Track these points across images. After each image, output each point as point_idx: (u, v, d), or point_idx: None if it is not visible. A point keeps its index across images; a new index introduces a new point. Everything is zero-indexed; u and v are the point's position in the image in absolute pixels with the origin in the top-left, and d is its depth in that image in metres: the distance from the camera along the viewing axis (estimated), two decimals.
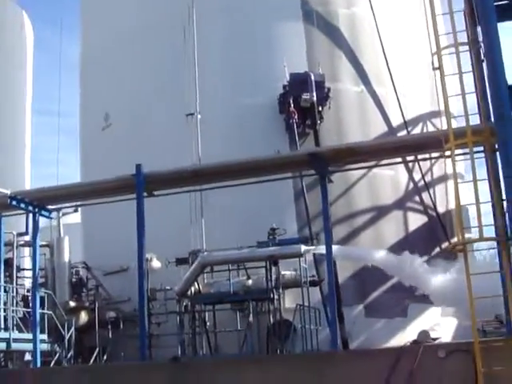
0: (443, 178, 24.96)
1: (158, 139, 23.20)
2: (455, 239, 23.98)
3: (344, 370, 14.99)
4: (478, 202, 14.03)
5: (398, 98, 23.43)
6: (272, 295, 19.55)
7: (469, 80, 15.27)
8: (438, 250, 23.38)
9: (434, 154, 21.20)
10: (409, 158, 22.05)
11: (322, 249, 19.83)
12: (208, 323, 20.94)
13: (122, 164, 21.48)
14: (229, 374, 15.67)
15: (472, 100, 15.47)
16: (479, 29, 15.12)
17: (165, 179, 18.77)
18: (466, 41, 15.37)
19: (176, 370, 16.04)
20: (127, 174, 18.48)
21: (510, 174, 13.33)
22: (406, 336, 20.30)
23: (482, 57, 14.92)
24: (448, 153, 14.91)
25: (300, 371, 15.15)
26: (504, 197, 14.08)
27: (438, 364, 14.32)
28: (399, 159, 20.93)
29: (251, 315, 19.86)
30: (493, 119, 14.00)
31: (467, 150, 14.79)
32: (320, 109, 22.85)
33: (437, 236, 23.77)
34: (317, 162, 17.30)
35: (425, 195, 24.04)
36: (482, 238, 14.17)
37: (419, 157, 21.97)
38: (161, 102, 23.62)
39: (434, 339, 18.27)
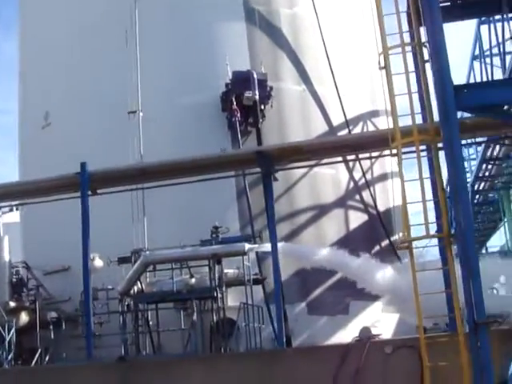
0: (383, 177, 25.33)
1: (100, 138, 22.91)
2: (395, 237, 24.86)
3: (292, 367, 15.09)
4: (424, 201, 14.26)
5: (339, 97, 23.65)
6: (215, 294, 19.53)
7: (411, 80, 15.51)
8: (378, 247, 23.79)
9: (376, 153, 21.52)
10: (350, 157, 22.36)
11: (265, 247, 20.00)
12: (151, 322, 20.79)
13: (61, 163, 21.32)
14: (176, 373, 15.63)
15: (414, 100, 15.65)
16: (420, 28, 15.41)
17: (110, 177, 18.60)
18: (409, 41, 15.55)
19: (123, 369, 15.92)
20: (71, 173, 18.24)
21: (454, 172, 13.55)
22: (347, 333, 20.55)
23: (426, 57, 15.13)
24: (395, 151, 15.08)
25: (248, 370, 15.19)
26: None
27: (385, 360, 14.53)
28: (341, 158, 21.16)
29: (195, 314, 19.80)
30: (438, 119, 14.20)
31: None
32: (262, 107, 22.93)
33: (377, 234, 24.12)
34: (263, 160, 17.37)
35: (365, 194, 24.33)
36: (428, 236, 14.41)
37: (360, 155, 22.24)
38: (102, 100, 23.29)
39: (376, 335, 18.51)
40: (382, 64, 15.06)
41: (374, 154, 22.52)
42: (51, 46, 25.55)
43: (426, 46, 14.99)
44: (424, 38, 15.31)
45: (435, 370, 13.69)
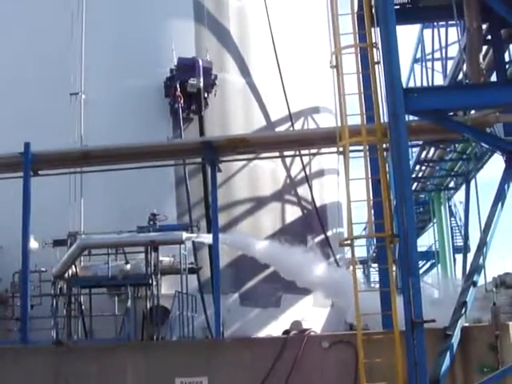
0: (320, 173, 25.67)
1: (40, 118, 22.48)
2: (330, 232, 25.25)
3: (229, 357, 15.19)
4: (368, 200, 14.52)
5: (284, 91, 23.82)
6: (150, 281, 19.49)
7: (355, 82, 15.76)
8: (312, 242, 24.16)
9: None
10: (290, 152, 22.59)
11: (203, 237, 20.06)
12: (83, 307, 20.60)
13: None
14: (111, 359, 15.57)
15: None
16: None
17: (53, 159, 18.34)
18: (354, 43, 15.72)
19: (58, 354, 15.77)
20: (14, 152, 17.92)
21: (400, 173, 13.84)
22: (279, 326, 20.81)
23: (377, 58, 15.36)
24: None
25: (187, 359, 15.24)
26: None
27: (322, 354, 14.76)
28: (291, 152, 21.38)
29: (129, 300, 19.70)
30: (386, 119, 14.47)
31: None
32: (206, 95, 22.91)
33: (312, 229, 24.46)
34: (209, 150, 17.40)
35: (302, 189, 24.61)
36: (371, 234, 14.69)
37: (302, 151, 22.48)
38: (45, 81, 22.86)
39: (306, 329, 18.77)
40: (334, 63, 15.27)
41: (313, 150, 22.88)
42: None
43: (377, 48, 15.24)
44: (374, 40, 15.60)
45: (371, 365, 14.00)
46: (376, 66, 15.13)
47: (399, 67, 14.13)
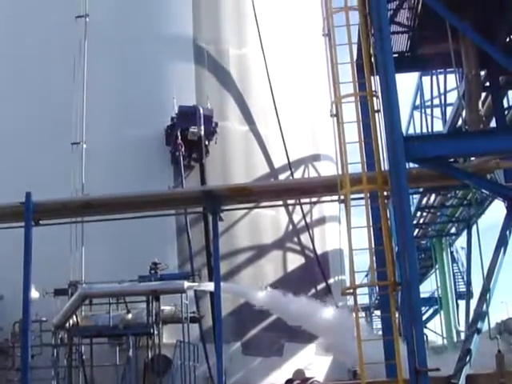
0: (321, 221, 25.67)
1: (42, 167, 22.58)
2: (332, 280, 25.16)
3: None
4: (370, 248, 14.47)
5: (283, 140, 23.92)
6: (152, 330, 19.38)
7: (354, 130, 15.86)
8: (314, 290, 24.05)
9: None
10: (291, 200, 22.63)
11: (204, 285, 20.01)
12: (84, 357, 20.45)
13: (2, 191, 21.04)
14: None
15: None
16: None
17: (54, 209, 18.33)
18: (354, 92, 15.82)
19: None
20: (15, 202, 17.93)
21: (402, 221, 13.80)
22: (281, 374, 20.64)
23: (377, 107, 15.44)
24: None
25: None
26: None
27: None
28: (291, 201, 21.42)
29: (130, 350, 19.57)
30: (387, 167, 14.47)
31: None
32: (207, 143, 23.01)
33: (314, 276, 24.37)
34: (210, 199, 17.42)
35: (304, 236, 24.58)
36: (373, 283, 14.61)
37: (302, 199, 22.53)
38: (46, 130, 23.00)
39: (309, 378, 18.62)
40: (334, 112, 15.35)
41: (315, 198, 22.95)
42: None
43: (376, 96, 15.32)
44: (373, 88, 15.71)
45: None
46: (376, 115, 15.20)
47: (399, 115, 14.15)
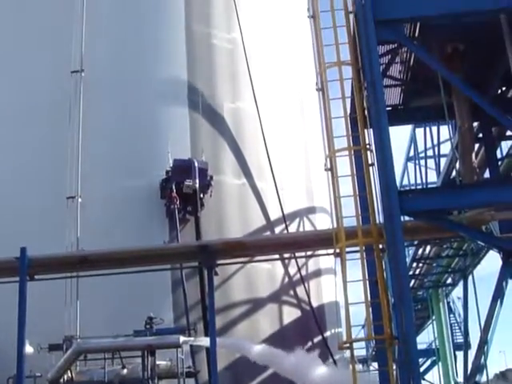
0: (317, 273, 25.60)
1: (36, 220, 22.58)
2: (328, 333, 24.99)
3: None
4: (366, 302, 14.43)
5: (277, 193, 23.98)
6: None
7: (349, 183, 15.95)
8: (310, 343, 23.87)
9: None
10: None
11: (200, 340, 19.86)
12: None
13: None
14: None
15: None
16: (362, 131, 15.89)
17: (49, 264, 18.30)
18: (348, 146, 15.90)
19: None
20: (10, 257, 17.90)
21: (398, 274, 13.78)
22: None
23: (371, 160, 15.54)
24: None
25: None
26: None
27: None
28: (286, 255, 21.40)
29: None
30: (382, 220, 14.51)
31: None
32: (202, 196, 23.04)
33: (310, 329, 24.21)
34: (205, 254, 17.43)
35: (300, 289, 24.48)
36: (370, 337, 14.55)
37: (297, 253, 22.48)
38: (42, 184, 23.06)
39: None
40: (329, 166, 15.45)
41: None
42: None
43: (370, 150, 15.43)
44: (367, 141, 15.82)
45: None
46: (370, 168, 15.31)
47: (393, 169, 14.24)
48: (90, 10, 24.67)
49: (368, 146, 15.56)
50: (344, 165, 15.66)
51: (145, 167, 23.49)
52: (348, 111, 16.96)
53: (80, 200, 22.65)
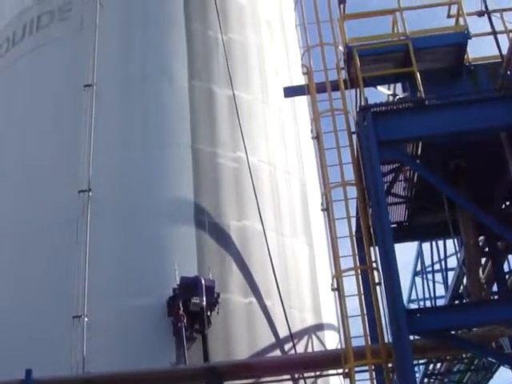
0: None
1: (42, 340, 22.37)
2: None
3: None
4: None
5: (284, 312, 23.78)
6: None
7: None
8: None
9: None
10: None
11: None
12: None
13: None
14: None
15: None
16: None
17: None
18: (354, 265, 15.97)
19: None
20: (16, 379, 17.75)
21: None
22: None
23: (377, 279, 15.59)
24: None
25: None
26: None
27: None
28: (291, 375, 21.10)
29: None
30: (391, 340, 14.44)
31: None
32: (209, 313, 22.89)
33: None
34: (213, 375, 17.26)
35: None
36: None
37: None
38: (47, 301, 23.04)
39: None
40: (335, 286, 15.48)
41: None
42: None
43: (377, 270, 15.50)
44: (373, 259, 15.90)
45: None
46: (377, 287, 15.34)
47: (400, 289, 14.31)
48: (97, 132, 25.24)
49: (374, 265, 15.61)
50: (351, 283, 15.72)
51: (151, 285, 23.39)
52: (353, 230, 17.11)
53: (86, 319, 22.56)
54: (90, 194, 24.45)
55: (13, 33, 30.58)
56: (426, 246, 28.62)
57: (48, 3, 29.89)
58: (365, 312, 15.17)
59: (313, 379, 24.04)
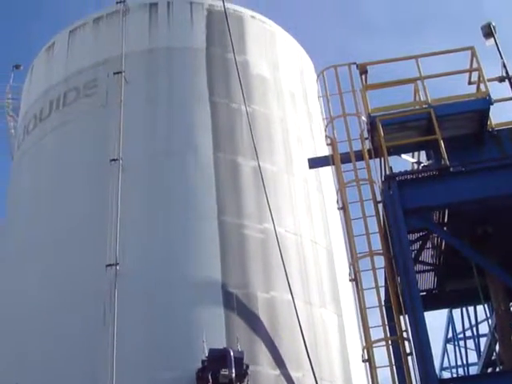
0: None
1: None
2: None
3: None
4: None
5: (306, 347, 23.54)
6: None
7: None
8: None
9: None
10: None
11: None
12: None
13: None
14: None
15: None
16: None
17: None
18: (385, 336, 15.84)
19: None
20: None
21: None
22: None
23: (408, 349, 15.43)
24: None
25: None
26: None
27: None
28: None
29: None
30: None
31: None
32: None
33: None
34: None
35: None
36: None
37: None
38: (74, 378, 22.97)
39: None
40: (366, 357, 15.33)
41: None
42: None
43: (407, 340, 15.34)
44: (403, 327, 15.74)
45: None
46: (409, 357, 15.17)
47: (432, 358, 14.16)
48: (124, 206, 25.48)
49: (405, 335, 15.46)
50: (381, 354, 15.58)
51: (180, 358, 23.31)
52: (382, 299, 17.00)
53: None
54: (118, 267, 24.60)
55: (40, 110, 31.30)
56: (456, 311, 28.39)
57: (74, 80, 30.63)
58: (396, 383, 14.99)
59: None
